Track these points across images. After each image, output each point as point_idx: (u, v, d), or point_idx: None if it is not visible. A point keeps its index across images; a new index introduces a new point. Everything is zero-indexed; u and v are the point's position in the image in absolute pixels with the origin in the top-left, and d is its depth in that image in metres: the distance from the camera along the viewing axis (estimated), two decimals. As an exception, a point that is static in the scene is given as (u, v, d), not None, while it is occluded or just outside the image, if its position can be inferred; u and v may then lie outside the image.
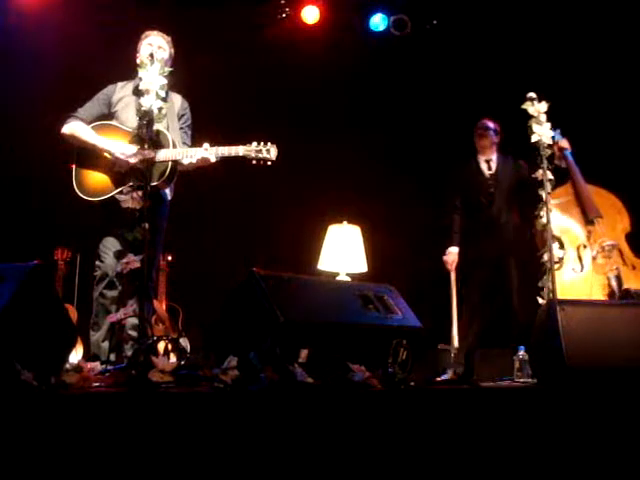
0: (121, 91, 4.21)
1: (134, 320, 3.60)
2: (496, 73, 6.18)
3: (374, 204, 6.23)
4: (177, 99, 4.30)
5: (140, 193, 3.29)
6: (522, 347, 4.01)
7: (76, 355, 4.42)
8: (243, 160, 3.98)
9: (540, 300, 4.21)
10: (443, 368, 4.22)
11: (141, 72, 3.54)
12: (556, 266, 4.21)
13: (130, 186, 3.39)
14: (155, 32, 4.26)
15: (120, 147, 3.96)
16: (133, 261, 3.21)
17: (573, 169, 5.01)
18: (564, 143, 5.08)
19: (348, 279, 5.20)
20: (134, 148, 3.49)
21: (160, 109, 3.47)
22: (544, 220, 4.28)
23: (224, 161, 4.06)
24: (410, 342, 3.47)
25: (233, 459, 2.35)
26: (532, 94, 4.36)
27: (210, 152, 3.95)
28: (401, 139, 6.63)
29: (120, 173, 3.95)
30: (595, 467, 2.75)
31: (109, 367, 3.27)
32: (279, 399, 2.54)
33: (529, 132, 4.38)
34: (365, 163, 6.42)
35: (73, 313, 5.35)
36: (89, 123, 4.12)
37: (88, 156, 4.07)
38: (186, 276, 6.17)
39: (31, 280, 2.95)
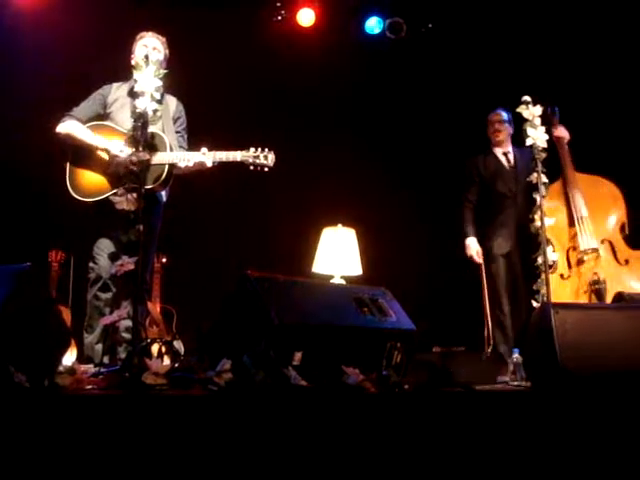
0: (117, 92, 4.19)
1: (128, 322, 3.59)
2: (491, 76, 6.19)
3: (369, 207, 6.23)
4: (172, 101, 4.29)
5: (135, 195, 3.29)
6: (516, 350, 4.02)
7: (70, 357, 4.41)
8: (241, 165, 3.97)
9: (534, 303, 4.22)
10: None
11: (136, 74, 3.54)
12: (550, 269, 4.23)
13: (125, 188, 3.40)
14: (150, 33, 4.25)
15: (118, 146, 3.95)
16: (127, 263, 3.21)
17: (566, 162, 4.93)
18: (562, 132, 5.02)
19: (343, 282, 5.21)
20: (128, 150, 3.49)
21: (155, 111, 3.47)
22: (538, 223, 4.29)
23: (220, 164, 4.06)
24: (404, 345, 3.48)
25: (227, 462, 2.35)
26: (527, 97, 4.37)
27: (208, 157, 3.94)
28: (396, 142, 6.64)
29: (115, 174, 3.93)
30: (589, 470, 2.75)
31: (103, 369, 3.26)
32: (273, 402, 2.54)
33: (524, 135, 4.40)
34: (360, 166, 6.42)
35: (67, 315, 5.34)
36: (84, 123, 4.10)
37: (83, 156, 4.05)
38: (180, 278, 6.16)
39: (25, 282, 2.95)
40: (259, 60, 6.32)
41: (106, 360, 3.70)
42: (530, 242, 4.58)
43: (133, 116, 3.43)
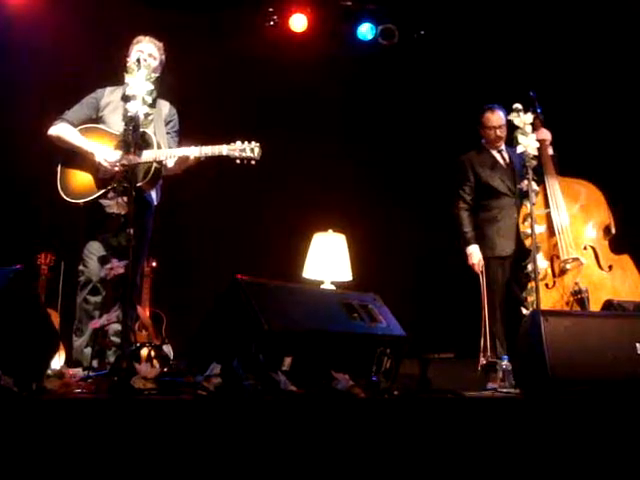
0: (110, 96, 4.19)
1: (117, 326, 3.58)
2: (482, 83, 6.21)
3: (359, 213, 6.24)
4: (165, 106, 4.29)
5: (125, 198, 3.28)
6: (505, 357, 4.02)
7: (58, 361, 4.38)
8: (227, 160, 3.92)
9: (524, 310, 4.23)
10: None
11: (128, 77, 3.53)
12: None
13: (114, 190, 3.39)
14: (147, 38, 4.24)
15: (104, 153, 3.94)
16: (117, 267, 3.20)
17: (547, 166, 4.81)
18: (543, 134, 4.86)
19: (333, 287, 5.21)
20: (118, 154, 3.49)
21: (147, 115, 3.47)
22: (528, 231, 4.31)
23: (210, 167, 4.04)
24: (394, 351, 3.48)
25: (215, 467, 2.34)
26: (518, 105, 4.38)
27: (193, 151, 3.91)
28: (387, 148, 6.65)
29: (104, 176, 3.93)
30: (577, 476, 2.75)
31: (91, 373, 3.25)
32: (262, 407, 2.53)
33: (515, 143, 4.41)
34: (351, 172, 6.43)
35: (56, 318, 5.31)
36: (76, 126, 4.11)
37: (74, 159, 4.05)
38: (170, 283, 6.15)
39: (14, 284, 2.93)
40: (251, 65, 6.32)
41: (95, 364, 3.68)
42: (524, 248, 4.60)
43: (125, 119, 3.43)
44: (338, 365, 3.02)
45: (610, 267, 4.59)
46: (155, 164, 3.90)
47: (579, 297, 4.42)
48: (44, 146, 4.21)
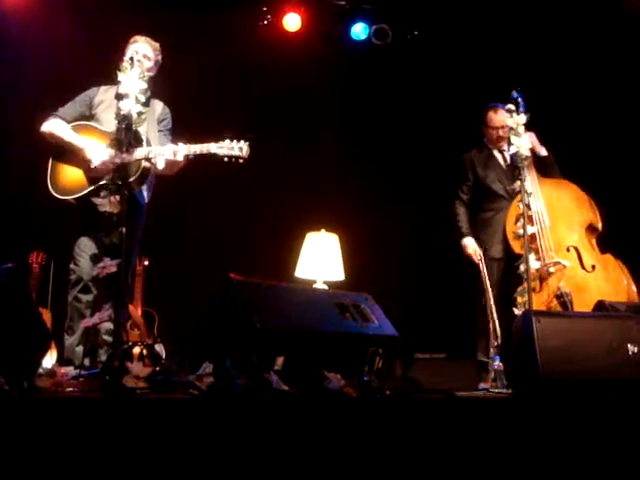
0: (104, 94, 4.18)
1: (109, 325, 3.58)
2: (475, 84, 6.22)
3: (352, 212, 6.24)
4: (158, 105, 4.28)
5: (117, 197, 3.28)
6: (497, 357, 4.03)
7: (50, 359, 4.37)
8: (215, 158, 3.91)
9: (515, 311, 4.23)
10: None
11: (121, 76, 3.53)
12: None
13: (106, 188, 3.38)
14: (143, 39, 4.23)
15: (95, 149, 3.92)
16: (109, 265, 3.20)
17: (530, 168, 4.66)
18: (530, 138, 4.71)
19: (325, 287, 5.20)
20: (111, 152, 3.48)
21: (139, 113, 3.46)
22: (520, 232, 4.31)
23: (202, 165, 4.04)
24: (386, 351, 3.48)
25: (207, 466, 2.33)
26: (511, 106, 4.38)
27: (182, 149, 3.90)
28: (380, 148, 6.66)
29: (94, 173, 3.93)
30: (569, 477, 2.76)
31: (83, 372, 3.24)
32: (254, 407, 2.53)
33: (507, 143, 4.42)
34: (344, 171, 6.44)
35: (47, 317, 5.30)
36: (69, 122, 4.11)
37: (65, 155, 4.06)
38: (162, 282, 6.14)
39: (5, 283, 2.92)
40: (244, 64, 6.32)
41: (86, 363, 3.67)
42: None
43: (117, 118, 3.42)
44: (330, 365, 3.02)
45: (593, 267, 4.59)
46: (144, 162, 3.89)
47: (562, 300, 4.42)
48: (36, 144, 4.20)
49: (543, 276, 4.51)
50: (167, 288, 6.14)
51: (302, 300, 3.54)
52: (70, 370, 3.34)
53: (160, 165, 3.93)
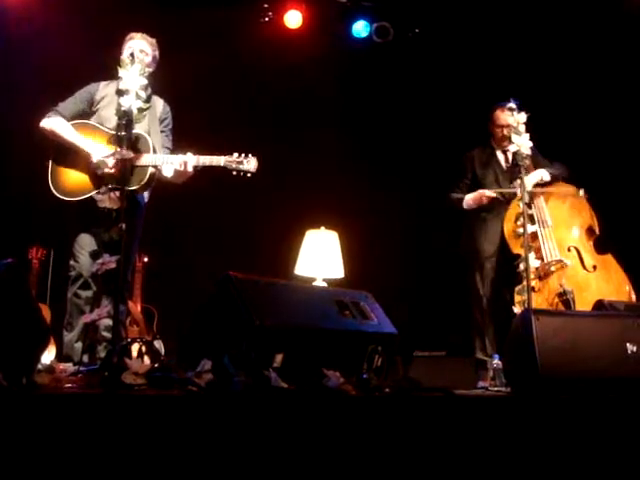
0: (105, 90, 4.17)
1: (108, 321, 3.58)
2: (476, 82, 6.22)
3: (352, 210, 6.24)
4: (159, 103, 4.28)
5: (117, 194, 3.28)
6: (496, 355, 4.03)
7: (49, 355, 4.37)
8: (223, 170, 3.96)
9: (515, 309, 4.23)
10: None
11: (121, 72, 3.53)
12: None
13: (108, 187, 3.39)
14: (139, 35, 4.23)
15: (99, 151, 3.92)
16: (109, 262, 3.20)
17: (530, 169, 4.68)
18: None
19: (325, 284, 5.20)
20: (111, 149, 3.48)
21: (140, 109, 3.46)
22: (520, 230, 4.31)
23: (203, 169, 4.04)
24: (385, 349, 3.48)
25: (205, 463, 2.33)
26: (512, 104, 4.38)
27: (191, 159, 3.93)
28: (381, 146, 6.65)
29: (97, 174, 3.92)
30: (567, 475, 2.76)
31: (82, 368, 3.24)
32: (253, 404, 2.53)
33: (508, 142, 4.42)
34: (344, 168, 6.43)
35: (46, 313, 5.30)
36: (69, 120, 4.08)
37: (66, 154, 4.02)
38: (162, 278, 6.14)
39: (5, 278, 2.92)
40: (245, 62, 6.32)
41: (85, 359, 3.68)
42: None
43: (118, 114, 3.42)
44: (329, 362, 3.02)
45: (594, 267, 4.60)
46: (151, 168, 3.91)
47: (564, 298, 4.41)
48: (35, 140, 4.19)
49: (543, 275, 4.51)
50: (166, 285, 6.14)
51: (301, 298, 3.54)
52: (69, 366, 3.35)
53: (168, 174, 3.95)
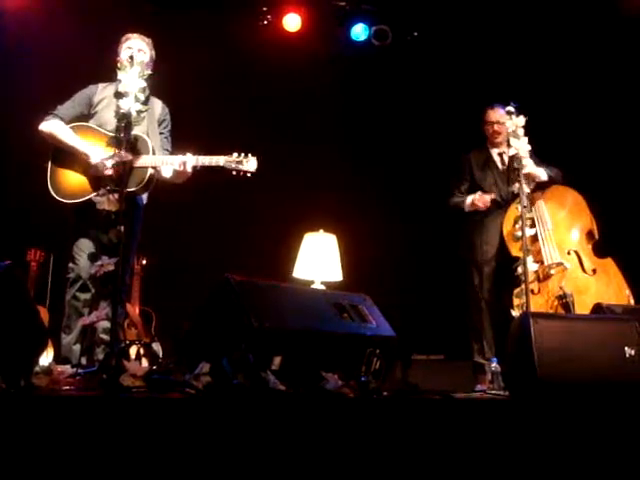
0: (103, 92, 4.17)
1: (106, 323, 3.58)
2: (475, 85, 6.22)
3: (350, 213, 6.23)
4: (157, 104, 4.28)
5: (116, 196, 3.28)
6: (494, 359, 4.03)
7: (47, 358, 4.37)
8: (222, 170, 3.96)
9: (513, 313, 4.23)
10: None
11: (120, 74, 3.53)
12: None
13: (106, 189, 3.38)
14: (135, 35, 4.24)
15: (98, 153, 3.92)
16: (107, 264, 3.20)
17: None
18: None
19: (323, 287, 5.20)
20: (110, 151, 3.48)
21: (139, 112, 3.46)
22: (519, 233, 4.31)
23: (203, 170, 4.04)
24: (383, 352, 3.48)
25: (204, 465, 2.33)
26: (510, 108, 4.38)
27: (190, 160, 3.93)
28: (379, 149, 6.66)
29: (97, 176, 3.92)
30: (565, 478, 2.76)
31: (80, 370, 3.24)
32: (251, 406, 2.53)
33: (506, 145, 4.42)
34: (342, 171, 6.43)
35: (45, 315, 5.30)
36: (68, 122, 4.07)
37: (64, 157, 4.02)
38: (160, 281, 6.13)
39: (3, 280, 2.92)
40: (243, 65, 6.33)
41: (83, 361, 3.68)
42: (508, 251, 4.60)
43: (117, 116, 3.42)
44: (327, 365, 3.02)
45: (594, 271, 4.60)
46: (150, 169, 3.91)
47: (564, 301, 4.41)
48: (34, 142, 4.18)
49: (542, 277, 4.52)
50: (165, 287, 6.13)
51: (300, 300, 3.54)
52: (67, 368, 3.34)
53: (167, 174, 3.95)
